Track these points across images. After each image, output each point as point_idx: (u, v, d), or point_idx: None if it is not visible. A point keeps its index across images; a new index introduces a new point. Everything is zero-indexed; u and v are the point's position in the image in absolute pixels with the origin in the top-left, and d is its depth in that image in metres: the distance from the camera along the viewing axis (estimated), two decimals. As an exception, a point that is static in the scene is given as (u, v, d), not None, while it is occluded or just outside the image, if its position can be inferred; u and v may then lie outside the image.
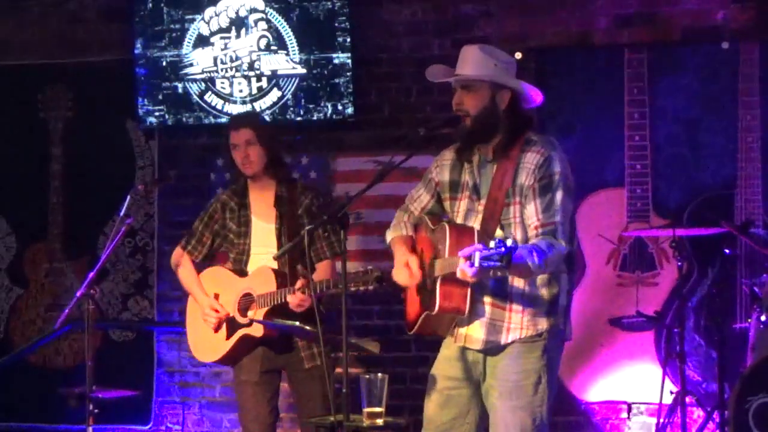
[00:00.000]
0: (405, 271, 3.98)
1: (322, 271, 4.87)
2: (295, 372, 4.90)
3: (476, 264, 3.51)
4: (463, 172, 4.05)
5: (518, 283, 3.90)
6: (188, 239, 5.08)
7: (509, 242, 3.48)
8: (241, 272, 4.93)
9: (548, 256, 3.73)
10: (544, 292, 3.92)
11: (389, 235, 4.21)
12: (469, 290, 3.87)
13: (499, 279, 3.87)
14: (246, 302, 4.87)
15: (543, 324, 3.92)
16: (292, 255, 4.77)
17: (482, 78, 3.94)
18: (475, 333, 3.96)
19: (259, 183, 4.95)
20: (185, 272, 5.09)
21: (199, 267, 5.11)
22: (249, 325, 4.81)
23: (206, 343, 4.99)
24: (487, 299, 3.93)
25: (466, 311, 3.89)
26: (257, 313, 4.78)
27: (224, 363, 5.06)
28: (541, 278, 3.90)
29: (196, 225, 5.09)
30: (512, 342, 3.93)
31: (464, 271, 3.59)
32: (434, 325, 4.01)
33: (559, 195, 3.86)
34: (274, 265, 4.78)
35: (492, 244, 3.50)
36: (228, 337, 4.91)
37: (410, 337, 6.28)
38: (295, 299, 4.66)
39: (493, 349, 3.96)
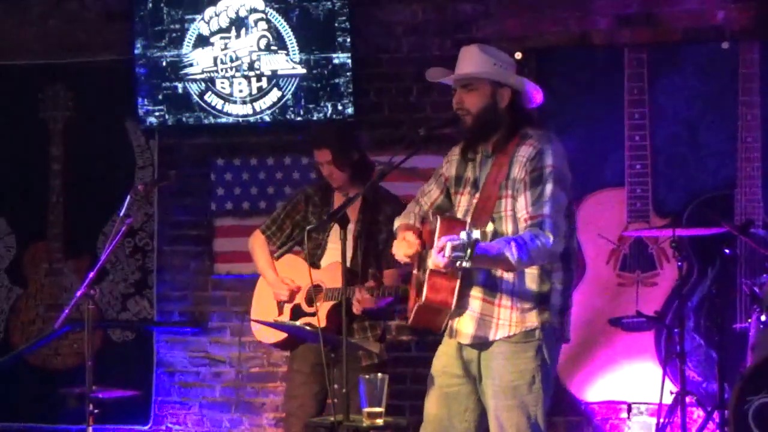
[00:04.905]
0: (403, 243, 3.98)
1: (389, 277, 4.99)
2: (349, 368, 4.90)
3: (447, 254, 3.53)
4: (467, 168, 4.08)
5: (507, 278, 3.90)
6: (269, 224, 5.20)
7: (474, 234, 3.50)
8: (314, 265, 5.01)
9: (531, 249, 3.72)
10: (533, 288, 3.91)
11: (396, 223, 4.25)
12: (457, 284, 3.87)
13: (489, 274, 3.88)
14: (314, 293, 4.97)
15: (532, 320, 3.91)
16: (366, 257, 4.98)
17: (481, 75, 3.95)
18: (465, 327, 3.96)
19: (346, 189, 5.06)
20: (259, 252, 5.20)
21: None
22: (312, 314, 4.93)
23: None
24: (477, 294, 3.93)
25: (453, 305, 3.89)
26: (323, 305, 4.90)
27: (281, 347, 5.22)
28: (531, 274, 3.89)
29: (278, 212, 5.22)
30: (501, 339, 3.93)
31: (436, 262, 3.64)
32: (428, 317, 4.01)
33: (549, 187, 3.84)
34: (348, 262, 4.87)
35: (463, 235, 3.52)
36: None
37: (410, 337, 6.32)
38: (358, 296, 4.78)
39: (482, 344, 3.96)
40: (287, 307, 5.10)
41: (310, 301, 5.02)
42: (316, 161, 5.10)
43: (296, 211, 5.17)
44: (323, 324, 4.81)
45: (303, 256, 5.09)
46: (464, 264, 3.53)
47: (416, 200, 4.26)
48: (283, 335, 5.02)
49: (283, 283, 5.07)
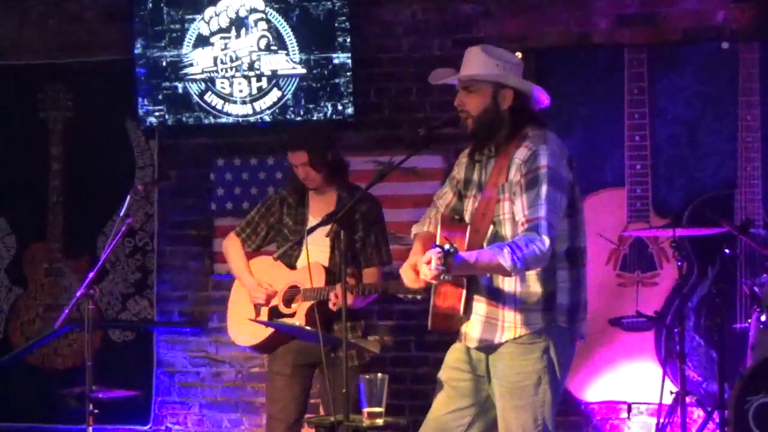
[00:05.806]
0: (410, 274, 3.96)
1: (369, 276, 5.02)
2: (331, 369, 4.90)
3: (433, 266, 3.54)
4: (474, 170, 4.07)
5: (511, 280, 3.88)
6: (243, 227, 5.21)
7: (446, 246, 3.53)
8: (290, 266, 5.03)
9: (526, 254, 3.69)
10: (536, 289, 3.88)
11: (413, 230, 4.24)
12: (464, 291, 3.88)
13: (493, 277, 3.88)
14: (291, 294, 4.97)
15: (537, 322, 3.89)
16: (344, 256, 4.90)
17: (479, 77, 3.93)
18: (472, 331, 3.96)
19: (321, 189, 5.08)
20: (235, 255, 5.19)
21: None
22: (291, 315, 4.93)
23: (245, 327, 5.07)
24: (483, 298, 3.93)
25: (461, 310, 3.90)
26: (302, 305, 4.89)
27: (260, 349, 5.19)
28: (534, 275, 3.87)
29: (252, 215, 5.22)
30: (507, 341, 3.91)
31: (425, 273, 3.62)
32: (442, 322, 4.01)
33: (544, 189, 3.80)
34: (326, 262, 4.92)
35: (447, 245, 3.53)
36: (268, 324, 4.97)
37: (410, 337, 6.32)
38: (335, 294, 4.77)
39: (488, 347, 3.95)
40: (264, 310, 5.06)
41: (287, 302, 5.00)
42: (291, 164, 5.07)
43: (270, 213, 5.16)
44: (302, 324, 4.82)
45: (275, 257, 5.04)
46: (446, 276, 3.55)
47: (433, 203, 4.25)
48: (262, 337, 4.98)
49: (259, 287, 5.05)
